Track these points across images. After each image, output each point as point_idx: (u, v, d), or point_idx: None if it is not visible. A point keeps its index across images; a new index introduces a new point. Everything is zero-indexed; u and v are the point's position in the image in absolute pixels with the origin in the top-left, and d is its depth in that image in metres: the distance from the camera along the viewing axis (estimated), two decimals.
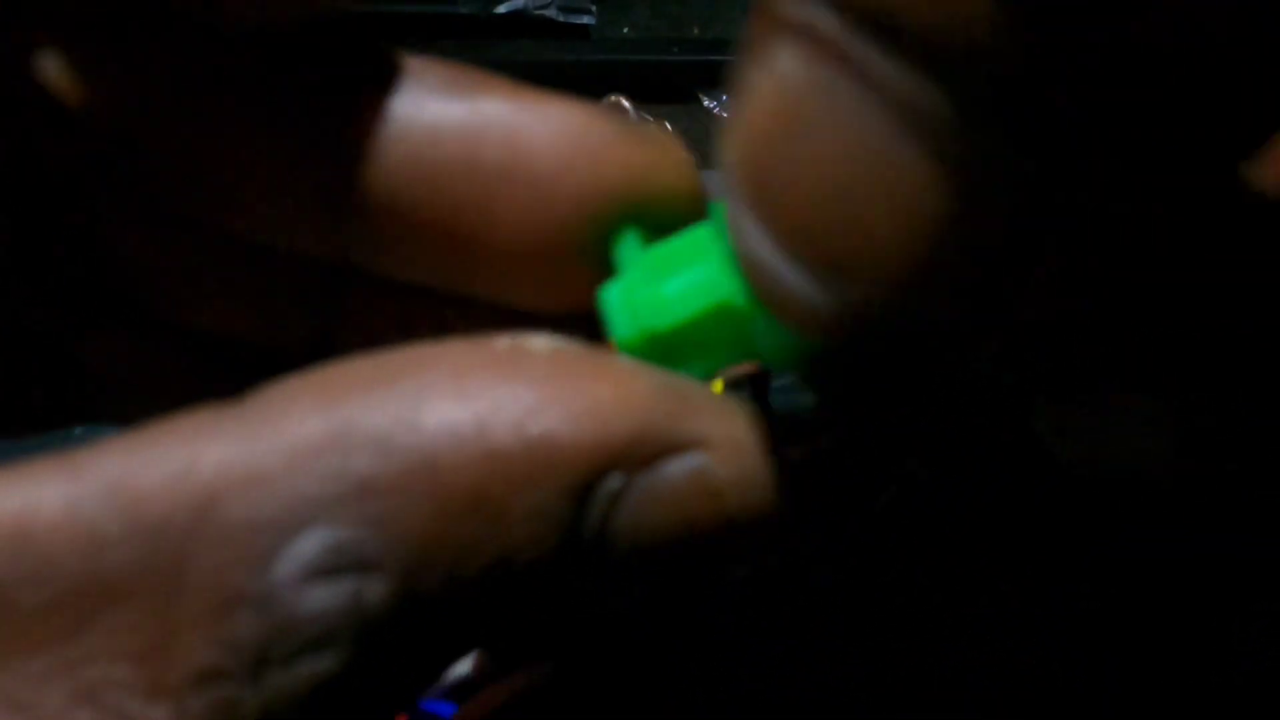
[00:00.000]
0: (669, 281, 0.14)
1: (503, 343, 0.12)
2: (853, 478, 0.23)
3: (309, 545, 0.11)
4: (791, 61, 0.10)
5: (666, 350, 0.14)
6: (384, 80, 0.15)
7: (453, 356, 0.12)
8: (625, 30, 0.60)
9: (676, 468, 0.12)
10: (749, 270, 0.11)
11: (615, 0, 0.61)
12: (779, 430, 0.13)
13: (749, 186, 0.11)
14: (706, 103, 0.58)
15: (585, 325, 0.15)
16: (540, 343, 0.12)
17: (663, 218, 0.15)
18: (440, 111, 0.15)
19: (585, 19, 0.59)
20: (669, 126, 0.56)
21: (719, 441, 0.12)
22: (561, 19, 0.58)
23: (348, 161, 0.15)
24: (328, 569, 0.11)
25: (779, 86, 0.10)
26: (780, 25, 0.10)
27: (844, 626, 0.23)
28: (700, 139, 0.57)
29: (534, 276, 0.16)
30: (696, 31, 0.61)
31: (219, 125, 0.16)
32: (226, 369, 0.17)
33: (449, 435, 0.11)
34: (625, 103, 0.56)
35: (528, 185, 0.15)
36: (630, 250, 0.15)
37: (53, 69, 0.15)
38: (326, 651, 0.11)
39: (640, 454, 0.12)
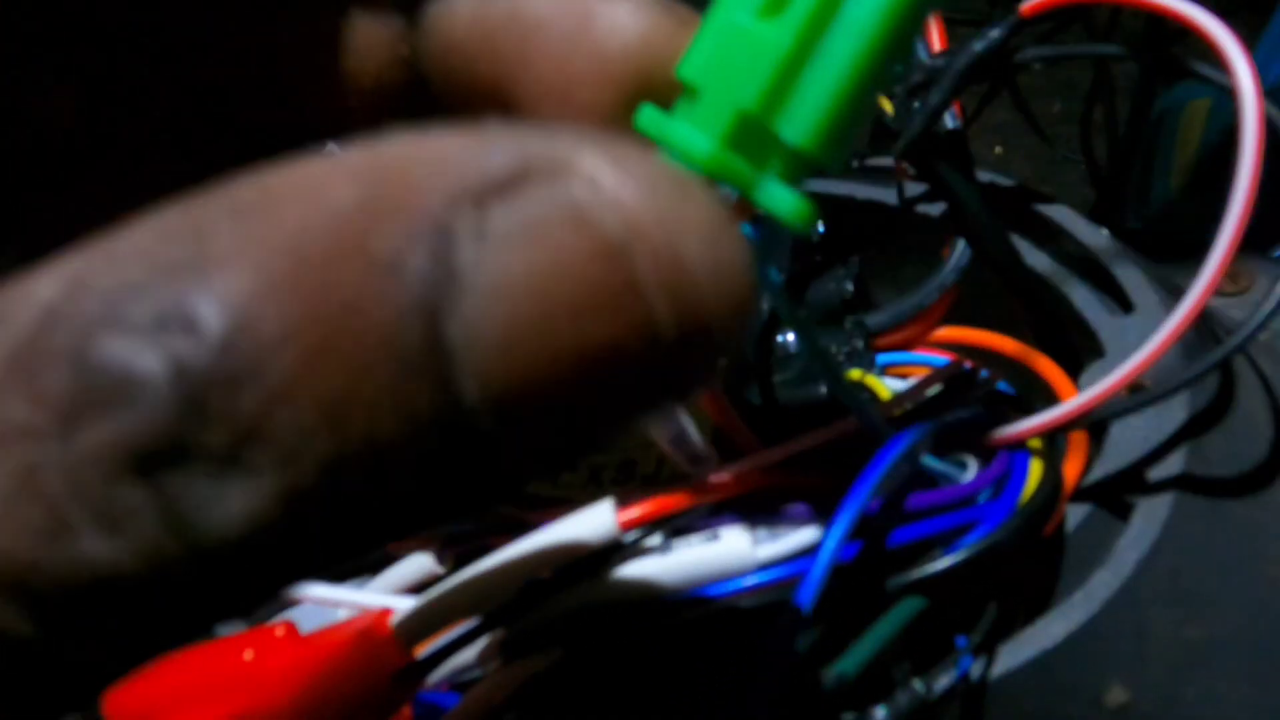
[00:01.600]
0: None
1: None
2: None
3: (135, 306, 0.10)
4: None
5: None
6: None
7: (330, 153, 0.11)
8: None
9: (536, 194, 0.10)
10: None
11: None
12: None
13: None
14: None
15: None
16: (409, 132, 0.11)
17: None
18: None
19: None
20: None
21: (596, 164, 0.10)
22: None
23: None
24: (151, 328, 0.10)
25: None
26: None
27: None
28: None
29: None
30: None
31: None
32: None
33: (283, 188, 0.10)
34: None
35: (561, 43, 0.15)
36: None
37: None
38: (135, 409, 0.10)
39: (493, 183, 0.10)
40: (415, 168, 0.10)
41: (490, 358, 0.10)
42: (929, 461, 0.25)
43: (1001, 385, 0.28)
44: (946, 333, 0.31)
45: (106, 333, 0.10)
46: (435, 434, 0.10)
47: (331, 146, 0.15)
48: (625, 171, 0.10)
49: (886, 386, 0.28)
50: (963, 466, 0.26)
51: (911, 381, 0.27)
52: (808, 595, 0.22)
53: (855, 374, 0.29)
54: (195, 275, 0.10)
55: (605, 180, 0.10)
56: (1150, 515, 0.26)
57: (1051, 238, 0.32)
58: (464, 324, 0.10)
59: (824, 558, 0.22)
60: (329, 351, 0.10)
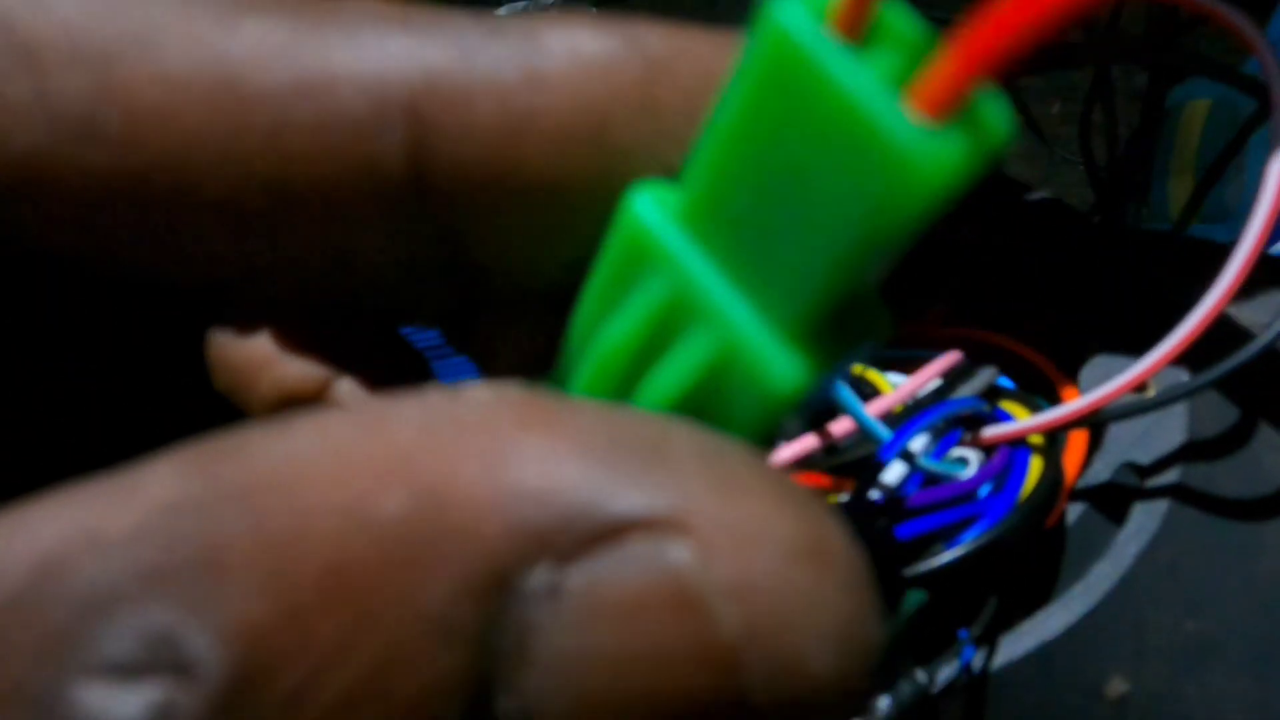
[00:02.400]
0: None
1: (436, 395, 0.09)
2: None
3: (119, 631, 0.08)
4: None
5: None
6: None
7: (364, 410, 0.09)
8: None
9: (633, 557, 0.08)
10: None
11: (615, 5, 0.61)
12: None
13: None
14: None
15: None
16: (482, 393, 0.09)
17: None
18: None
19: None
20: None
21: (707, 520, 0.08)
22: None
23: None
24: (135, 667, 0.08)
25: None
26: None
27: None
28: None
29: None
30: None
31: None
32: None
33: (316, 495, 0.08)
34: None
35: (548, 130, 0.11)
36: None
37: None
38: None
39: (581, 533, 0.08)
40: (483, 491, 0.08)
41: None
42: (928, 463, 0.25)
43: (1002, 380, 0.28)
44: (949, 329, 0.31)
45: (80, 670, 0.08)
46: None
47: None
48: (749, 539, 0.08)
49: (888, 381, 0.28)
50: (963, 464, 0.26)
51: (913, 376, 0.28)
52: None
53: (857, 368, 0.29)
54: (197, 590, 0.08)
55: (722, 553, 0.08)
56: (1150, 509, 0.26)
57: (1052, 237, 0.33)
58: (520, 701, 0.08)
59: None
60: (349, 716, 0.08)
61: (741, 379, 0.10)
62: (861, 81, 0.08)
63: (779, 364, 0.09)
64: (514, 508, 0.08)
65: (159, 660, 0.08)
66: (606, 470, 0.08)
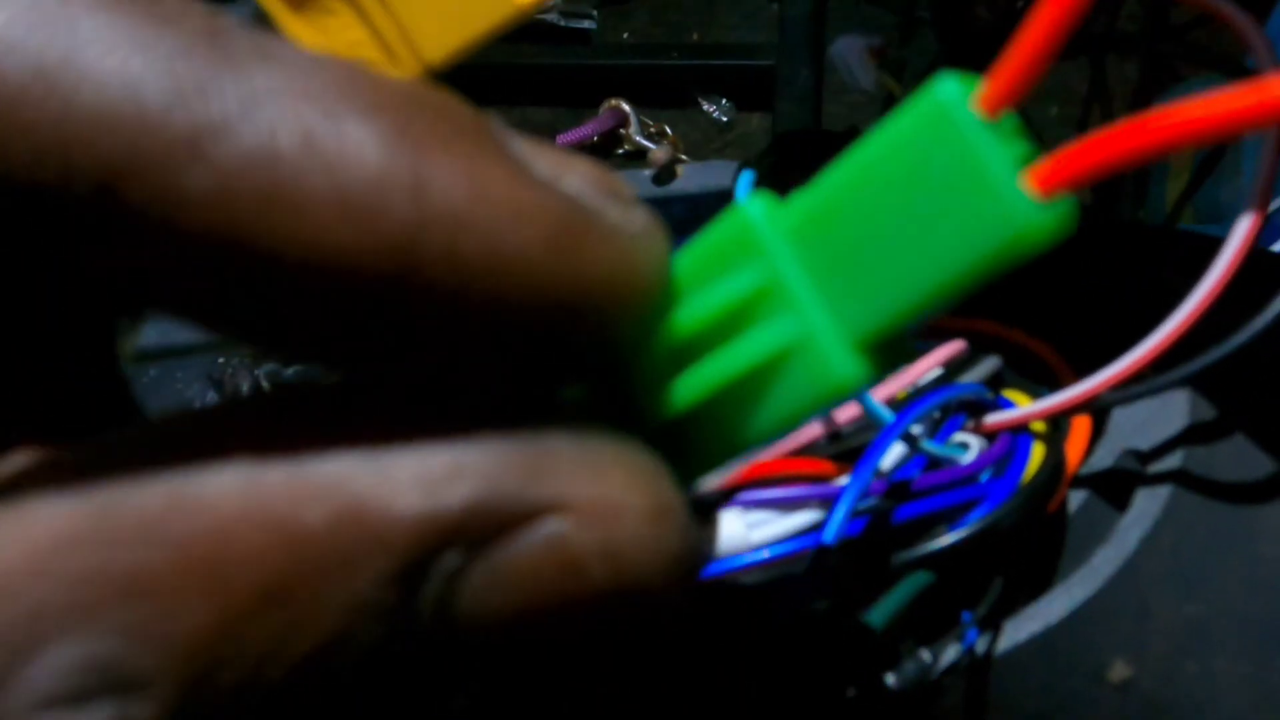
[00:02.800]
0: None
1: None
2: None
3: (51, 665, 0.08)
4: None
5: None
6: None
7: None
8: (625, 35, 0.61)
9: (526, 540, 0.10)
10: None
11: (616, 6, 0.62)
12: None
13: None
14: (705, 106, 0.59)
15: None
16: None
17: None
18: None
19: (586, 24, 0.60)
20: (669, 130, 0.57)
21: (582, 502, 0.10)
22: (563, 24, 0.59)
23: None
24: (76, 694, 0.08)
25: None
26: None
27: None
28: (699, 142, 0.58)
29: None
30: (695, 36, 0.62)
31: None
32: None
33: (236, 516, 0.09)
34: (625, 106, 0.57)
35: None
36: None
37: None
38: None
39: (482, 525, 0.10)
40: (389, 497, 0.09)
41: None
42: (930, 445, 0.25)
43: (1003, 369, 0.28)
44: (950, 319, 0.31)
45: (23, 710, 0.08)
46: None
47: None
48: (613, 512, 0.10)
49: None
50: (964, 449, 0.26)
51: (916, 364, 0.28)
52: (818, 575, 0.22)
53: None
54: (129, 616, 0.09)
55: (594, 525, 0.10)
56: (1152, 494, 0.26)
57: None
58: (438, 648, 0.10)
59: (833, 525, 0.23)
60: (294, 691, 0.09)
61: (804, 369, 0.11)
62: (996, 153, 0.10)
63: (843, 364, 0.11)
64: (424, 514, 0.09)
65: (105, 684, 0.08)
66: (502, 472, 0.10)
